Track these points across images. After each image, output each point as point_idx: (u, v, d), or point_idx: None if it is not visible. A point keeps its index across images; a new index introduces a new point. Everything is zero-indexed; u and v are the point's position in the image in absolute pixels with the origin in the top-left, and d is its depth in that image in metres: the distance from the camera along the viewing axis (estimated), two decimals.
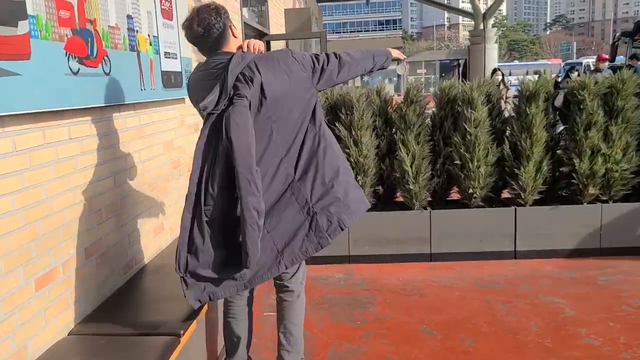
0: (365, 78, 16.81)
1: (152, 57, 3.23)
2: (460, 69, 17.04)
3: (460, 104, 4.44)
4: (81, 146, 2.51)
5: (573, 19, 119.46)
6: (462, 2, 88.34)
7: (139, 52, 3.04)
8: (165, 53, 3.47)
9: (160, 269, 3.18)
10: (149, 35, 3.20)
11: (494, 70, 9.03)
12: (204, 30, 2.29)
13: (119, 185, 2.91)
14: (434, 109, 4.64)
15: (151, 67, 3.21)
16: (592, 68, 11.67)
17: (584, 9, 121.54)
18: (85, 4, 2.45)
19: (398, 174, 4.44)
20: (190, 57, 4.01)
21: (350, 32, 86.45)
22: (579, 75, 10.44)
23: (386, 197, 4.72)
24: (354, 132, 4.42)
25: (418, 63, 18.01)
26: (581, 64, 25.71)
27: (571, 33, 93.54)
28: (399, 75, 16.36)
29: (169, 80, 3.52)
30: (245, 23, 6.44)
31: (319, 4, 20.72)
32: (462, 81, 4.65)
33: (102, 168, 2.71)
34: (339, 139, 4.46)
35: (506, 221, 4.44)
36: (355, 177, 4.43)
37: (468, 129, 4.31)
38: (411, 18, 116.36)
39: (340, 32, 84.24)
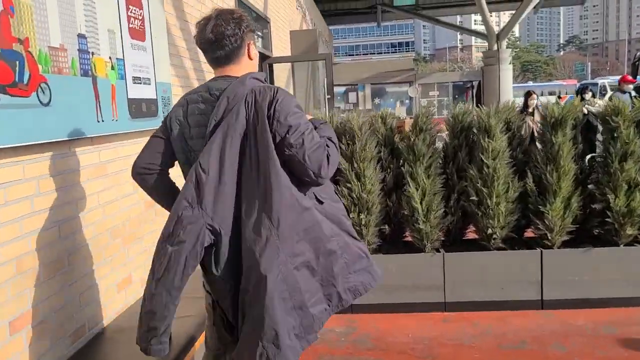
0: (377, 100, 16.39)
1: (114, 82, 2.77)
2: (474, 91, 16.55)
3: (475, 132, 3.92)
4: (5, 194, 2.03)
5: (586, 39, 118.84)
6: (475, 23, 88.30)
7: (95, 78, 2.58)
8: (135, 78, 3.01)
9: (124, 331, 2.68)
10: (110, 58, 2.74)
11: (529, 93, 8.37)
12: (215, 38, 1.89)
13: (66, 237, 2.42)
14: (446, 136, 4.12)
15: (113, 95, 2.75)
16: (609, 90, 11.11)
17: (597, 30, 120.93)
18: (11, 20, 1.99)
19: (406, 211, 3.91)
20: (169, 82, 3.56)
21: (363, 54, 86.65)
22: (593, 96, 9.88)
23: (393, 237, 4.18)
24: (356, 165, 3.91)
25: (430, 85, 17.55)
26: (596, 84, 25.08)
27: (585, 54, 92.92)
28: (410, 98, 15.91)
29: (139, 109, 3.05)
30: None
31: (329, 27, 20.49)
32: (477, 105, 4.14)
33: (38, 219, 2.22)
34: (339, 171, 3.96)
35: (531, 265, 3.87)
36: (358, 215, 3.92)
37: (485, 160, 3.78)
38: (424, 40, 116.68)
39: (352, 55, 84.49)
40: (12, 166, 2.06)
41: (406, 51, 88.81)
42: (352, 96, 15.63)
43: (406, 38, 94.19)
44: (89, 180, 2.64)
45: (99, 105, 2.60)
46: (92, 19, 2.58)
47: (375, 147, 4.00)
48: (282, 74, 8.57)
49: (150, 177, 2.01)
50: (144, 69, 3.14)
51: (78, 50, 2.44)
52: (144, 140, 2.95)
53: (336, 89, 16.58)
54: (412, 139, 3.90)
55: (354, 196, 3.91)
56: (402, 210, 3.95)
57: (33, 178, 2.19)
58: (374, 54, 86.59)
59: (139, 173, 2.02)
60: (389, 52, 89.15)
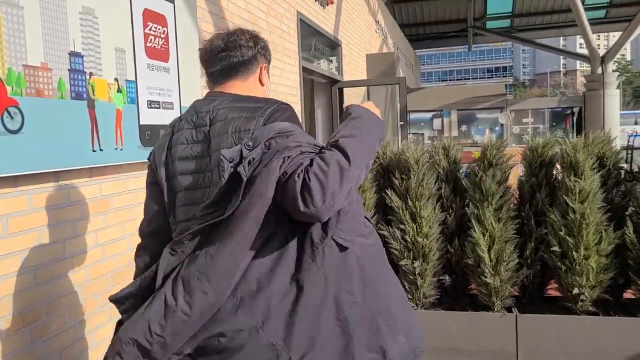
0: (464, 127, 15.51)
1: (120, 107, 2.45)
2: (574, 119, 15.19)
3: (559, 169, 3.23)
4: None
5: None
6: (580, 47, 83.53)
7: (92, 101, 2.27)
8: (151, 102, 2.70)
9: None
10: (116, 80, 2.43)
11: None
12: (225, 46, 1.59)
13: (44, 283, 2.09)
14: (522, 172, 3.46)
15: (118, 121, 2.44)
16: None
17: None
18: None
19: (471, 260, 3.28)
20: None
21: (457, 79, 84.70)
22: None
23: (456, 290, 3.55)
24: (410, 203, 3.35)
25: (524, 112, 16.33)
26: None
27: None
28: (501, 125, 14.88)
29: (155, 136, 2.72)
30: (305, 68, 5.67)
31: (416, 51, 19.92)
32: (570, 134, 3.45)
33: (10, 263, 1.91)
34: (391, 209, 3.42)
35: (630, 336, 3.08)
36: (412, 262, 3.35)
37: (570, 203, 3.09)
38: (523, 65, 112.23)
39: (445, 80, 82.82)
40: None
41: (503, 76, 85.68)
42: (436, 122, 14.89)
43: (503, 63, 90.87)
44: (86, 217, 2.32)
45: (96, 132, 2.28)
46: (93, 36, 2.28)
47: (435, 183, 3.42)
48: (355, 99, 8.15)
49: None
50: (164, 92, 2.83)
51: (69, 70, 2.14)
52: None
53: (421, 115, 15.93)
54: (479, 175, 3.29)
55: (408, 240, 3.35)
56: (466, 260, 3.32)
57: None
58: (468, 79, 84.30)
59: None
60: (484, 77, 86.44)
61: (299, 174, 1.31)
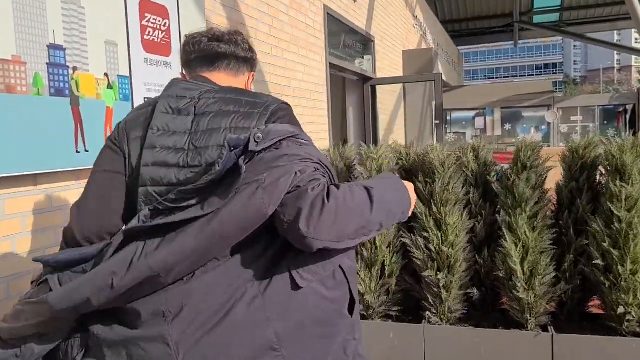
0: (508, 126, 14.89)
1: (111, 104, 2.28)
2: (627, 117, 14.33)
3: (603, 172, 2.88)
4: None
5: None
6: (635, 42, 79.81)
7: (77, 98, 2.10)
8: (147, 99, 2.52)
9: None
10: (106, 75, 2.26)
11: None
12: (220, 36, 1.44)
13: (16, 297, 1.93)
14: (560, 176, 3.12)
15: (108, 119, 2.26)
16: None
17: None
18: None
19: (502, 273, 2.96)
20: None
21: (503, 77, 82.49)
22: None
23: (485, 304, 3.23)
24: (435, 209, 3.06)
25: (573, 109, 15.53)
26: None
27: None
28: (548, 123, 14.19)
29: None
30: (333, 64, 5.42)
31: (460, 48, 19.35)
32: (623, 133, 3.08)
33: None
34: (414, 215, 3.14)
35: None
36: (436, 274, 3.06)
37: (616, 211, 2.73)
38: (574, 61, 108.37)
39: (492, 78, 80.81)
40: None
41: (553, 73, 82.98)
42: (479, 121, 14.34)
43: (553, 59, 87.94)
44: None
45: (81, 132, 2.11)
46: (77, 27, 2.11)
47: (463, 187, 3.12)
48: (389, 97, 7.85)
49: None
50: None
51: (48, 64, 1.98)
52: None
53: (463, 114, 15.40)
54: (511, 179, 2.96)
55: (432, 249, 3.06)
56: (497, 272, 3.01)
57: None
58: (516, 76, 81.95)
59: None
60: (533, 75, 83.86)
61: (314, 187, 1.15)
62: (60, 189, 2.10)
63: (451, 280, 3.05)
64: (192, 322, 1.12)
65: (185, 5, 2.83)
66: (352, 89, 6.92)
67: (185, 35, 1.53)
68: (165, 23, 2.66)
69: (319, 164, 1.24)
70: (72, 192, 2.16)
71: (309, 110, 4.76)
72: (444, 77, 9.41)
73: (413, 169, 3.24)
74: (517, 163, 2.98)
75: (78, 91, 2.11)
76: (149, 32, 2.53)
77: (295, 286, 1.20)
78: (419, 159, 3.19)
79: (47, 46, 1.98)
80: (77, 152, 2.10)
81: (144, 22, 2.50)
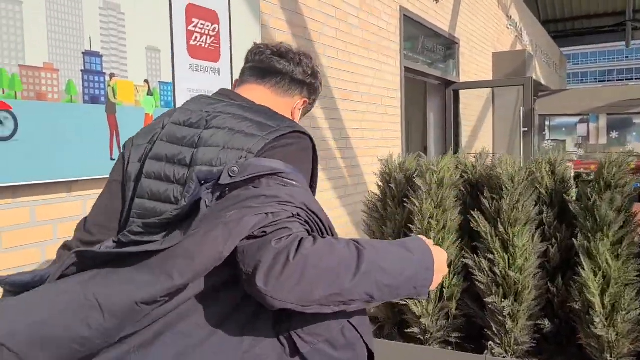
0: (614, 134, 13.63)
1: (151, 111, 2.24)
2: None
3: None
4: None
5: None
6: None
7: (113, 105, 2.08)
8: None
9: None
10: (146, 82, 2.23)
11: None
12: (282, 52, 1.38)
13: None
14: None
15: None
16: None
17: None
18: None
19: (578, 304, 2.60)
20: None
21: (616, 79, 76.57)
22: None
23: (559, 338, 2.86)
24: (502, 228, 2.76)
25: None
26: None
27: None
28: None
29: None
30: (409, 68, 5.18)
31: (562, 49, 18.12)
32: None
33: None
34: (478, 235, 2.85)
35: None
36: (501, 301, 2.75)
37: None
38: None
39: (603, 81, 75.29)
40: None
41: None
42: (581, 128, 13.24)
43: None
44: None
45: (117, 139, 2.09)
46: (116, 34, 2.09)
47: (535, 205, 2.78)
48: (475, 102, 7.43)
49: None
50: None
51: (82, 70, 1.96)
52: None
53: (565, 120, 14.33)
54: (592, 199, 2.60)
55: (498, 273, 2.76)
56: (572, 303, 2.65)
57: None
58: (631, 79, 75.71)
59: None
60: None
61: (280, 238, 0.98)
62: (95, 196, 2.09)
63: (518, 309, 2.73)
64: None
65: (238, 9, 2.76)
66: (433, 94, 6.62)
67: (253, 43, 1.43)
68: (215, 28, 2.60)
69: (302, 209, 1.06)
70: None
71: (379, 117, 4.56)
72: (542, 81, 8.78)
73: (479, 183, 2.95)
74: (600, 181, 2.61)
75: (115, 98, 2.09)
76: (196, 37, 2.48)
77: (295, 351, 1.04)
78: (486, 173, 2.90)
79: (83, 53, 1.97)
80: (112, 159, 2.08)
81: (190, 27, 2.45)
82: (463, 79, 6.74)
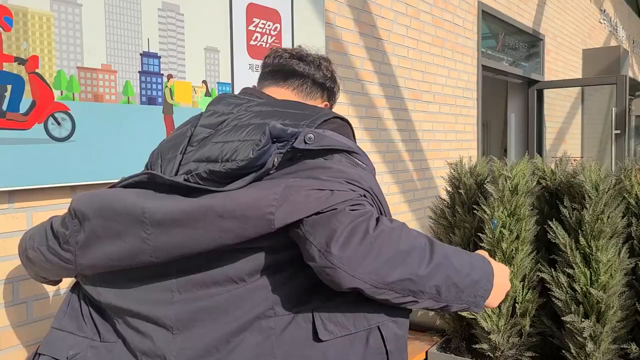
0: None
1: None
2: None
3: None
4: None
5: None
6: None
7: (170, 106, 2.07)
8: None
9: None
10: (204, 82, 2.21)
11: None
12: (302, 55, 1.37)
13: None
14: None
15: None
16: None
17: None
18: (4, 34, 1.61)
19: None
20: None
21: None
22: None
23: None
24: (583, 241, 2.51)
25: None
26: None
27: None
28: None
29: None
30: (488, 67, 4.91)
31: None
32: None
33: None
34: (556, 247, 2.61)
35: None
36: (581, 320, 2.50)
37: None
38: None
39: None
40: (4, 214, 1.68)
41: None
42: None
43: None
44: None
45: None
46: (175, 35, 2.09)
47: (623, 217, 2.51)
48: (561, 102, 6.96)
49: None
50: None
51: (140, 72, 1.97)
52: None
53: None
54: None
55: (578, 290, 2.51)
56: None
57: None
58: None
59: None
60: None
61: (356, 208, 0.95)
62: None
63: (601, 331, 2.47)
64: (196, 346, 0.99)
65: (301, 8, 2.70)
66: (515, 94, 6.26)
67: (270, 49, 1.42)
68: (276, 27, 2.55)
69: (368, 192, 1.01)
70: None
71: (452, 118, 4.34)
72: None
73: (559, 191, 2.71)
74: None
75: (172, 99, 2.09)
76: (256, 37, 2.44)
77: (316, 337, 0.97)
78: (566, 180, 2.65)
79: (140, 54, 1.98)
80: None
81: (250, 27, 2.41)
82: (548, 77, 6.32)
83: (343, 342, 0.98)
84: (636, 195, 2.55)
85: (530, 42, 6.02)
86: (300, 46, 1.41)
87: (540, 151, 6.17)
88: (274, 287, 0.99)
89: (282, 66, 1.33)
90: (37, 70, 1.68)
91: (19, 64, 1.64)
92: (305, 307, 0.99)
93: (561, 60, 6.85)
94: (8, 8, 1.61)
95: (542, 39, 6.16)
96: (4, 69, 1.61)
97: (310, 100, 1.35)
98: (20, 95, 1.65)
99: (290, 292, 1.00)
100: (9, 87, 1.62)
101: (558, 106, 6.88)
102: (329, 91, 1.40)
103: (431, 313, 2.99)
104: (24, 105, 1.65)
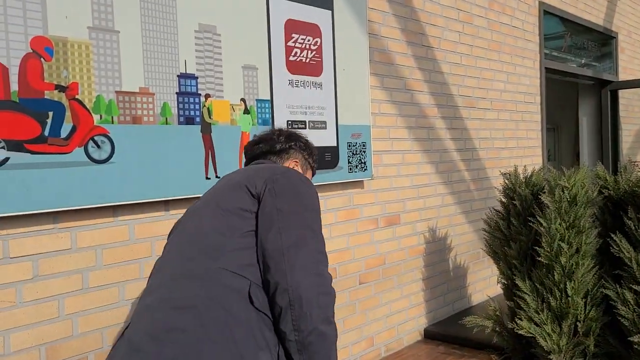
0: None
1: (247, 129, 2.25)
2: None
3: None
4: (36, 266, 1.74)
5: None
6: None
7: (208, 125, 2.12)
8: (291, 122, 2.44)
9: None
10: (242, 100, 2.24)
11: None
12: (256, 141, 1.71)
13: None
14: None
15: (244, 144, 2.23)
16: None
17: None
18: (45, 64, 1.70)
19: None
20: (366, 123, 2.83)
21: None
22: None
23: None
24: None
25: None
26: None
27: None
28: None
29: None
30: (550, 69, 4.67)
31: None
32: None
33: (105, 296, 1.87)
34: (620, 261, 2.41)
35: None
36: None
37: None
38: None
39: None
40: (49, 234, 1.77)
41: None
42: None
43: None
44: None
45: (212, 158, 2.12)
46: (211, 55, 2.13)
47: None
48: (638, 103, 6.50)
49: None
50: (313, 110, 2.53)
51: (178, 93, 2.03)
52: (326, 196, 2.22)
53: None
54: None
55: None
56: None
57: (89, 248, 1.86)
58: None
59: None
60: None
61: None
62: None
63: None
64: None
65: (342, 21, 2.68)
66: (586, 96, 5.91)
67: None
68: (317, 42, 2.54)
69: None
70: None
71: (512, 124, 4.15)
72: None
73: (623, 201, 2.51)
74: None
75: (210, 118, 2.13)
76: (296, 52, 2.44)
77: None
78: (630, 189, 2.45)
79: (178, 76, 2.03)
80: (207, 178, 2.11)
81: (289, 43, 2.42)
82: (624, 77, 5.91)
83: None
84: None
85: (602, 41, 5.67)
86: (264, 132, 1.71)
87: (615, 156, 5.78)
88: None
89: (251, 154, 1.68)
90: (77, 96, 1.77)
91: (59, 91, 1.73)
92: None
93: (638, 58, 6.40)
94: (49, 39, 1.71)
95: (614, 37, 5.79)
96: (45, 97, 1.70)
97: (285, 163, 1.65)
98: (61, 121, 1.73)
99: None
100: (51, 113, 1.71)
101: (637, 107, 6.43)
102: (290, 150, 1.66)
103: (487, 330, 2.86)
104: (64, 130, 1.74)
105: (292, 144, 1.66)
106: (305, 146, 1.70)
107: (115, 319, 1.94)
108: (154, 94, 1.96)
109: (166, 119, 1.99)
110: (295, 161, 1.66)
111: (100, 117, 1.82)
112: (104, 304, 1.91)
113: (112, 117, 1.85)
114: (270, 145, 1.64)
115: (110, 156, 1.84)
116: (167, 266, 1.32)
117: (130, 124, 1.89)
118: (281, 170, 1.41)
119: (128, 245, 1.96)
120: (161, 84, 1.98)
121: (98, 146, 1.82)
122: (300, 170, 1.67)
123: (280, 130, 1.71)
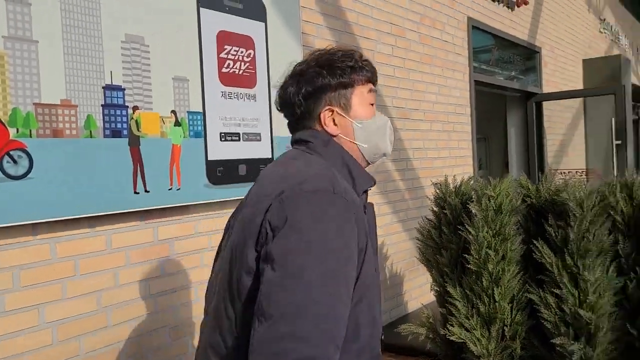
0: None
1: (178, 142, 2.21)
2: None
3: None
4: None
5: None
6: None
7: (136, 138, 2.06)
8: (225, 135, 2.41)
9: None
10: (173, 112, 2.20)
11: None
12: (280, 97, 1.24)
13: (64, 341, 1.92)
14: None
15: (175, 158, 2.19)
16: None
17: None
18: None
19: None
20: None
21: None
22: None
23: None
24: (569, 260, 2.44)
25: None
26: None
27: None
28: None
29: (230, 172, 2.42)
30: (479, 82, 4.87)
31: None
32: None
33: (16, 321, 1.77)
34: (543, 267, 2.53)
35: None
36: (570, 343, 2.41)
37: None
38: None
39: None
40: None
41: None
42: None
43: None
44: (134, 264, 2.12)
45: (141, 172, 2.06)
46: (139, 66, 2.07)
47: (609, 234, 2.43)
48: (563, 114, 6.87)
49: None
50: (247, 122, 2.51)
51: (103, 105, 1.96)
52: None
53: None
54: None
55: (567, 310, 2.43)
56: None
57: (4, 269, 1.76)
58: None
59: None
60: None
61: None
62: (120, 231, 2.07)
63: (591, 355, 2.38)
64: None
65: (276, 33, 2.68)
66: (513, 107, 6.19)
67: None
68: (250, 53, 2.53)
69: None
70: (133, 233, 2.12)
71: (445, 135, 4.29)
72: None
73: (544, 209, 2.63)
74: None
75: (139, 130, 2.07)
76: (229, 64, 2.42)
77: None
78: (550, 197, 2.58)
79: (103, 87, 1.97)
80: (136, 192, 2.05)
81: (222, 55, 2.40)
82: (547, 89, 6.24)
83: None
84: (622, 211, 2.47)
85: (526, 55, 5.96)
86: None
87: (541, 165, 6.08)
88: None
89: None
90: None
91: None
92: None
93: (559, 72, 6.78)
94: None
95: (538, 52, 6.10)
96: None
97: (314, 124, 1.20)
98: None
99: None
100: None
101: (559, 118, 6.79)
102: (317, 99, 1.17)
103: (421, 337, 2.92)
104: None
105: (309, 89, 1.15)
106: (329, 67, 1.15)
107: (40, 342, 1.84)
108: (76, 106, 1.89)
109: (90, 132, 1.92)
110: (330, 110, 1.17)
111: (17, 131, 1.74)
112: (21, 327, 1.81)
113: (31, 131, 1.76)
114: (291, 112, 1.21)
115: (29, 171, 1.76)
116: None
117: (51, 137, 1.81)
118: (290, 185, 1.02)
119: (49, 265, 1.87)
120: (85, 95, 1.91)
121: (14, 161, 1.73)
122: (343, 114, 1.17)
123: (290, 74, 1.22)
